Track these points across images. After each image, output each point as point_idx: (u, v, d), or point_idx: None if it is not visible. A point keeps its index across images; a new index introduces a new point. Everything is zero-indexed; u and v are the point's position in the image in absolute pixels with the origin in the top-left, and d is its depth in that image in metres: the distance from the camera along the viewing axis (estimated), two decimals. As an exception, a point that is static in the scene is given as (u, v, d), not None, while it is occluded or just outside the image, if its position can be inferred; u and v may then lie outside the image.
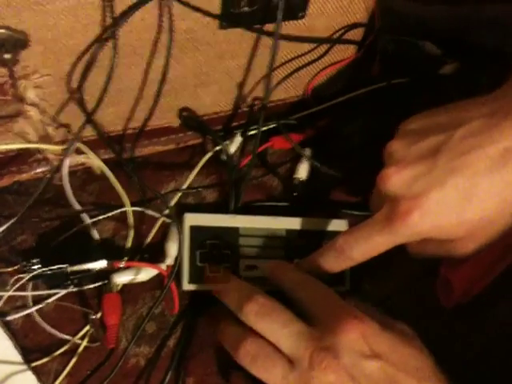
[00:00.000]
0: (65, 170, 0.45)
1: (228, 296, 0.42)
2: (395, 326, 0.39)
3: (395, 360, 0.36)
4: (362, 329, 0.36)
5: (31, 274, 0.41)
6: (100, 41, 0.42)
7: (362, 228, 0.41)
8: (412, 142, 0.39)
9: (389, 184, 0.39)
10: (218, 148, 0.51)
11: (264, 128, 0.51)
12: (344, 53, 0.55)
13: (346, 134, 0.58)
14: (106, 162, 0.47)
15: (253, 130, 0.52)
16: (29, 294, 0.43)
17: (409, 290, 0.49)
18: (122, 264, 0.42)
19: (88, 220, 0.46)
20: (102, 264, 0.42)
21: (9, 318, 0.42)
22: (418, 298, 0.49)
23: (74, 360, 0.42)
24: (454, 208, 0.37)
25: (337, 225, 0.49)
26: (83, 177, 0.49)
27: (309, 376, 0.35)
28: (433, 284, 0.49)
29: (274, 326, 0.38)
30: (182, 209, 0.49)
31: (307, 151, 0.54)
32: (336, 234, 0.48)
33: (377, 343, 0.36)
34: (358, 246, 0.40)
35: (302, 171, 0.53)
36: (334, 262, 0.43)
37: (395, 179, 0.38)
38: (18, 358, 0.41)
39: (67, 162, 0.44)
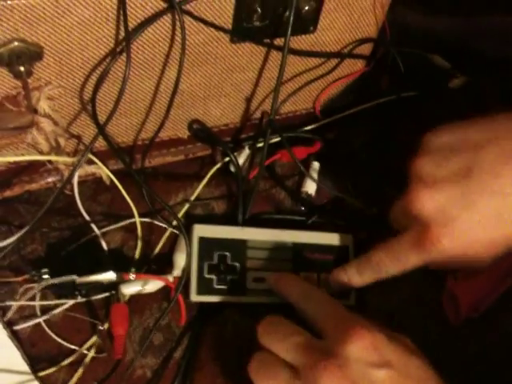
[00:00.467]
0: (75, 180, 0.45)
1: None
2: (399, 338, 0.39)
3: (403, 370, 0.36)
4: (371, 338, 0.36)
5: (41, 285, 0.41)
6: (113, 54, 0.42)
7: (391, 245, 0.41)
8: (441, 160, 0.38)
9: (420, 206, 0.38)
10: (226, 159, 0.51)
11: (272, 141, 0.51)
12: (353, 67, 0.55)
13: (355, 148, 0.58)
14: (115, 172, 0.48)
15: (260, 142, 0.52)
16: (37, 303, 0.43)
17: (415, 302, 0.49)
18: (132, 276, 0.43)
19: (97, 230, 0.46)
20: (110, 276, 0.42)
21: (17, 327, 0.43)
22: (424, 310, 0.49)
23: (80, 370, 0.43)
24: (485, 230, 0.37)
25: (342, 239, 0.50)
26: (93, 187, 0.50)
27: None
28: (439, 296, 0.49)
29: (281, 337, 0.38)
30: (190, 220, 0.49)
31: (315, 165, 0.54)
32: (342, 248, 0.49)
33: (385, 352, 0.36)
34: (392, 264, 0.41)
35: (310, 185, 0.53)
36: (372, 275, 0.43)
37: (426, 202, 0.38)
38: (25, 367, 0.41)
39: (77, 173, 0.45)
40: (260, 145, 0.52)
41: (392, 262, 0.41)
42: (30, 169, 0.48)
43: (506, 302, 0.46)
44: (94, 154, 0.46)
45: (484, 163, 0.37)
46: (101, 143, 0.49)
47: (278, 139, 0.52)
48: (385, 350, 0.36)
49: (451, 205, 0.37)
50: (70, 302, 0.43)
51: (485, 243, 0.38)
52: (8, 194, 0.48)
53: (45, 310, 0.44)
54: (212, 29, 0.44)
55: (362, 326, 0.37)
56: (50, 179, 0.48)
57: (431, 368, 0.37)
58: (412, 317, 0.49)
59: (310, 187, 0.53)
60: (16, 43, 0.39)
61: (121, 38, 0.42)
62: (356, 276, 0.44)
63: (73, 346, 0.43)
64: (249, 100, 0.53)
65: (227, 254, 0.46)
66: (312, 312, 0.40)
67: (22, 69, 0.40)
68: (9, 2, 0.36)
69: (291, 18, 0.44)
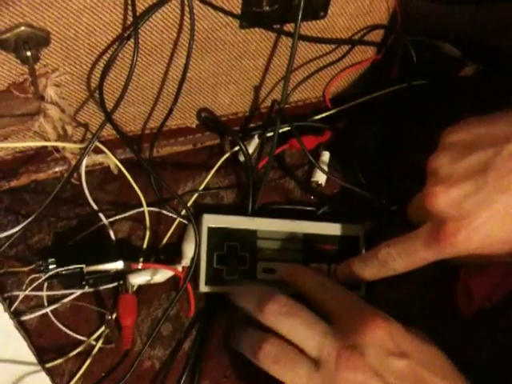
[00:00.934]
0: (82, 169, 0.44)
1: (245, 298, 0.41)
2: (413, 330, 0.38)
3: (421, 359, 0.36)
4: (389, 327, 0.36)
5: (47, 275, 0.41)
6: (121, 39, 0.42)
7: (405, 241, 0.40)
8: (458, 156, 0.38)
9: (436, 203, 0.38)
10: (236, 149, 0.50)
11: (281, 130, 0.50)
12: (363, 54, 0.55)
13: (364, 137, 0.57)
14: (123, 161, 0.47)
15: (270, 131, 0.51)
16: (44, 293, 0.42)
17: (423, 295, 0.49)
18: (140, 265, 0.42)
19: (105, 220, 0.46)
20: (118, 265, 0.41)
21: (24, 317, 0.42)
22: (431, 303, 0.48)
23: (88, 361, 0.42)
24: (502, 226, 0.36)
25: (352, 230, 0.49)
26: (101, 176, 0.49)
27: (336, 375, 0.35)
28: (447, 289, 0.49)
29: (298, 326, 0.38)
30: (199, 209, 0.49)
31: (326, 154, 0.53)
32: (352, 239, 0.48)
33: (403, 342, 0.36)
34: (401, 259, 0.41)
35: (320, 175, 0.52)
36: (376, 271, 0.43)
37: (443, 199, 0.37)
38: (31, 358, 0.41)
39: (85, 161, 0.44)
40: (270, 134, 0.51)
41: (401, 257, 0.40)
42: (37, 158, 0.47)
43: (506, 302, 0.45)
44: (101, 142, 0.46)
45: (501, 159, 0.36)
46: (108, 132, 0.48)
47: (287, 128, 0.51)
48: (403, 340, 0.36)
49: (467, 201, 0.37)
50: (78, 292, 0.43)
51: (501, 240, 0.37)
52: (15, 183, 0.47)
53: (52, 300, 0.43)
54: (221, 14, 0.43)
55: (379, 316, 0.37)
56: (57, 169, 0.48)
57: (447, 358, 0.37)
58: (420, 309, 0.48)
59: (320, 177, 0.52)
60: (23, 28, 0.38)
61: (129, 23, 0.41)
62: (360, 272, 0.44)
63: (80, 337, 0.43)
64: (258, 88, 0.52)
65: (237, 244, 0.46)
66: (328, 302, 0.40)
67: (28, 54, 0.39)
68: (15, -14, 0.36)
69: (302, 3, 0.43)
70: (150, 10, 0.41)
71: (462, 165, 0.37)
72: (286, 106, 0.54)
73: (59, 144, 0.43)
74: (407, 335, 0.37)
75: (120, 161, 0.46)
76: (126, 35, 0.42)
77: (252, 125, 0.55)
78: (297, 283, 0.43)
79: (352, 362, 0.35)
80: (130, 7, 0.40)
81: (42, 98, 0.42)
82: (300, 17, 0.44)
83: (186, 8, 0.42)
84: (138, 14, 0.40)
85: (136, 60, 0.42)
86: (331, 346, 0.36)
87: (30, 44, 0.39)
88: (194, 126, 0.52)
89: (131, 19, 0.41)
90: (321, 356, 0.36)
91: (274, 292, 0.40)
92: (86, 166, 0.45)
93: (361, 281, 0.44)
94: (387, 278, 0.48)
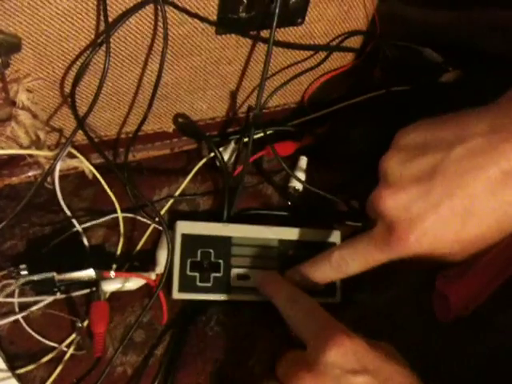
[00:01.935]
0: (56, 175, 0.44)
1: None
2: (379, 345, 0.38)
3: (382, 376, 0.36)
4: (351, 344, 0.36)
5: (19, 281, 0.40)
6: (93, 46, 0.41)
7: (357, 244, 0.40)
8: (407, 159, 0.38)
9: (383, 206, 0.38)
10: (212, 155, 0.50)
11: (258, 136, 0.50)
12: (343, 59, 0.54)
13: (345, 142, 0.57)
14: (99, 166, 0.47)
15: (247, 137, 0.51)
16: (15, 300, 0.42)
17: (408, 299, 0.49)
18: (111, 274, 0.42)
19: (78, 226, 0.45)
20: (89, 273, 0.41)
21: (-6, 324, 0.42)
22: (417, 307, 0.48)
23: (59, 368, 0.42)
24: (451, 228, 0.36)
25: (330, 236, 0.49)
26: (76, 182, 0.49)
27: None
28: (429, 295, 0.49)
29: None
30: (174, 216, 0.49)
31: (303, 159, 0.53)
32: (329, 245, 0.48)
33: (365, 359, 0.36)
34: (353, 262, 0.40)
35: (297, 181, 0.52)
36: (328, 274, 0.42)
37: (390, 202, 0.37)
38: (2, 365, 0.41)
39: (58, 166, 0.44)
40: (246, 140, 0.51)
41: (354, 260, 0.40)
42: (10, 162, 0.47)
43: (499, 301, 0.45)
44: (76, 147, 0.45)
45: (450, 162, 0.36)
46: (83, 136, 0.48)
47: (259, 135, 0.51)
48: (364, 357, 0.36)
49: (414, 205, 0.37)
50: (50, 299, 0.43)
51: (451, 240, 0.37)
52: (-12, 188, 0.47)
53: (23, 306, 0.43)
54: (196, 20, 0.43)
55: (342, 332, 0.36)
56: (30, 173, 0.47)
57: (412, 373, 0.37)
58: (401, 315, 0.48)
59: (298, 182, 0.52)
60: (-8, 34, 0.38)
61: (101, 29, 0.41)
62: (312, 276, 0.43)
63: (52, 344, 0.43)
64: (236, 93, 0.52)
65: (211, 251, 0.45)
66: (296, 321, 0.40)
67: (-1, 60, 0.39)
68: (-16, -9, 0.36)
69: (277, 9, 0.43)
70: (123, 16, 0.41)
71: (411, 168, 0.37)
72: (265, 110, 0.54)
73: (31, 151, 0.43)
74: (370, 352, 0.36)
75: (95, 165, 0.46)
76: (98, 41, 0.41)
77: (230, 129, 0.55)
78: (270, 295, 0.43)
79: (307, 383, 0.35)
80: (102, 13, 0.40)
81: (14, 104, 0.42)
82: (275, 23, 0.44)
83: (160, 14, 0.42)
84: (110, 20, 0.40)
85: (108, 66, 0.42)
86: (292, 368, 0.37)
87: (0, 50, 0.38)
88: (170, 130, 0.52)
89: (104, 25, 0.40)
90: (282, 380, 0.38)
91: None
92: (60, 171, 0.45)
93: (312, 286, 0.44)
94: (367, 283, 0.49)
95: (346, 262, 0.40)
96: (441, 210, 0.36)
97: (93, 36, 0.41)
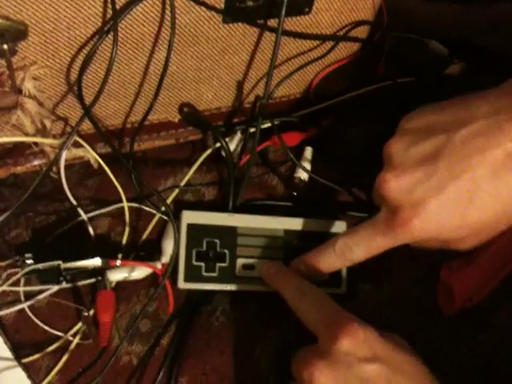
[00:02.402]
0: (62, 164, 0.44)
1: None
2: (390, 335, 0.38)
3: (393, 364, 0.36)
4: (362, 333, 0.36)
5: (24, 270, 0.40)
6: (100, 33, 0.41)
7: (361, 230, 0.40)
8: (412, 142, 0.38)
9: (387, 189, 0.37)
10: (218, 145, 0.50)
11: (264, 126, 0.50)
12: (349, 50, 0.54)
13: (349, 135, 0.57)
14: (104, 156, 0.46)
15: (253, 127, 0.51)
16: (21, 289, 0.42)
17: (409, 293, 0.49)
18: (117, 263, 0.42)
19: (84, 215, 0.45)
20: (95, 262, 0.41)
21: (0, 313, 0.42)
22: (418, 301, 0.49)
23: (65, 357, 0.42)
24: (455, 212, 0.36)
25: (336, 226, 0.49)
26: (81, 171, 0.49)
27: None
28: (433, 288, 0.49)
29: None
30: (180, 205, 0.48)
31: (308, 150, 0.53)
32: (334, 235, 0.48)
33: (376, 348, 0.36)
34: (357, 248, 0.40)
35: (303, 171, 0.52)
36: (332, 262, 0.42)
37: (394, 185, 0.37)
38: (7, 353, 0.41)
39: (64, 156, 0.43)
40: (253, 130, 0.51)
41: (358, 247, 0.40)
42: (16, 151, 0.46)
43: (500, 297, 0.45)
44: (81, 136, 0.45)
45: (453, 146, 0.36)
46: (89, 126, 0.48)
47: (267, 125, 0.51)
48: (376, 346, 0.36)
49: (418, 188, 0.36)
50: (55, 288, 0.42)
51: (455, 225, 0.37)
52: (-8, 177, 0.47)
53: (29, 295, 0.43)
54: (203, 8, 0.43)
55: (353, 322, 0.36)
56: (35, 162, 0.47)
57: (421, 363, 0.37)
58: (402, 309, 0.48)
59: (304, 173, 0.52)
60: (-1, 20, 0.37)
61: (108, 16, 0.40)
62: (317, 265, 0.43)
63: (58, 333, 0.43)
64: (241, 83, 0.51)
65: (216, 240, 0.45)
66: (305, 312, 0.40)
67: (5, 47, 0.38)
68: (-10, -23, 0.35)
69: (285, -2, 0.42)
70: (131, 4, 0.40)
71: (414, 151, 0.37)
72: (270, 101, 0.54)
73: (36, 139, 0.42)
74: (381, 341, 0.36)
75: (101, 155, 0.46)
76: (105, 29, 0.41)
77: (236, 120, 0.54)
78: (276, 285, 0.43)
79: (321, 371, 0.35)
80: (109, 0, 0.39)
81: (20, 92, 0.41)
82: (284, 12, 0.43)
83: (168, 1, 0.41)
84: (118, 7, 0.40)
85: (115, 54, 0.41)
86: (305, 359, 0.37)
87: (6, 37, 0.38)
88: (176, 120, 0.52)
89: (111, 13, 0.40)
90: (295, 373, 0.37)
91: None
92: (66, 160, 0.44)
93: (317, 276, 0.43)
94: (370, 276, 0.48)
95: (350, 248, 0.40)
96: (445, 193, 0.36)
97: (100, 23, 0.41)
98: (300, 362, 0.37)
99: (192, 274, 0.44)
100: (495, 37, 0.56)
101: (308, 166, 0.52)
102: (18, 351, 0.42)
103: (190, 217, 0.45)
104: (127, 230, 0.46)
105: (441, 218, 0.36)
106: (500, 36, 0.55)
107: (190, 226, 0.45)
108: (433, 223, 0.36)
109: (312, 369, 0.36)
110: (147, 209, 0.47)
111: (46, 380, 0.41)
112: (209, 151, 0.50)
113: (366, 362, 0.35)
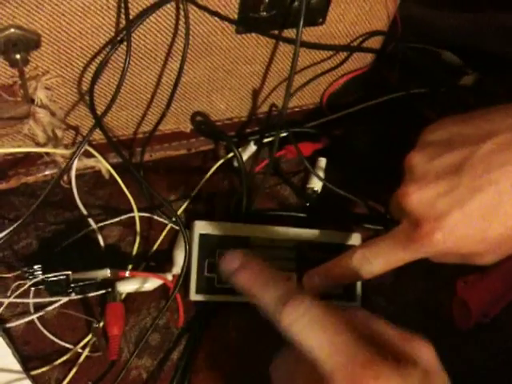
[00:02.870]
0: (73, 173, 0.43)
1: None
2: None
3: None
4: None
5: (33, 281, 0.40)
6: (113, 43, 0.41)
7: (380, 243, 0.39)
8: (434, 155, 0.37)
9: (410, 202, 0.37)
10: (230, 155, 0.49)
11: (280, 135, 0.50)
12: (362, 61, 0.54)
13: (362, 145, 0.56)
14: (116, 165, 0.46)
15: (268, 137, 0.50)
16: (30, 300, 0.42)
17: (420, 305, 0.48)
18: (127, 274, 0.41)
19: (94, 225, 0.45)
20: (105, 273, 0.41)
21: (9, 324, 0.41)
22: (429, 313, 0.48)
23: (74, 370, 0.41)
24: (477, 226, 0.36)
25: (350, 238, 0.48)
26: (92, 181, 0.48)
27: None
28: (446, 301, 0.48)
29: None
30: (191, 216, 0.48)
31: (322, 160, 0.53)
32: (349, 247, 0.47)
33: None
34: (376, 261, 0.39)
35: (316, 181, 0.51)
36: (349, 274, 0.41)
37: (416, 198, 0.37)
38: (16, 366, 0.40)
39: (75, 165, 0.43)
40: (267, 140, 0.50)
41: (377, 259, 0.39)
42: (27, 161, 0.46)
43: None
44: (93, 146, 0.45)
45: (476, 159, 0.35)
46: (100, 136, 0.47)
47: (283, 134, 0.50)
48: None
49: (440, 201, 0.36)
50: (64, 300, 0.42)
51: (476, 239, 0.36)
52: (4, 186, 0.46)
53: (38, 307, 0.42)
54: (217, 18, 0.43)
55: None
56: (47, 172, 0.47)
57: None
58: (414, 322, 0.47)
59: (316, 184, 0.51)
60: (12, 30, 0.37)
61: (121, 26, 0.40)
62: (334, 278, 0.42)
63: (67, 345, 0.42)
64: (254, 93, 0.51)
65: None
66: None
67: (18, 57, 0.38)
68: (5, -13, 0.35)
69: (303, 8, 0.42)
70: (144, 14, 0.40)
71: (437, 164, 0.37)
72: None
73: (48, 150, 0.42)
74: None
75: (112, 165, 0.45)
76: (118, 39, 0.41)
77: (248, 130, 0.54)
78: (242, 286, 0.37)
79: None
80: (123, 10, 0.39)
81: (32, 101, 0.41)
82: (302, 23, 0.43)
83: (182, 12, 0.41)
84: (131, 17, 0.40)
85: (128, 64, 0.41)
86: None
87: (19, 46, 0.38)
88: (188, 130, 0.51)
89: (124, 22, 0.40)
90: None
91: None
92: (77, 170, 0.44)
93: (331, 288, 0.42)
94: (382, 289, 0.48)
95: (368, 261, 0.39)
96: (468, 207, 0.35)
97: (113, 33, 0.41)
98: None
99: (204, 286, 0.44)
100: (508, 45, 0.55)
101: (322, 176, 0.52)
102: (27, 363, 0.41)
103: (201, 227, 0.45)
104: (138, 240, 0.46)
105: (463, 232, 0.36)
106: (509, 43, 0.55)
107: (202, 237, 0.44)
108: (455, 236, 0.36)
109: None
110: (158, 219, 0.47)
111: (55, 393, 0.41)
112: (221, 161, 0.49)
113: None
